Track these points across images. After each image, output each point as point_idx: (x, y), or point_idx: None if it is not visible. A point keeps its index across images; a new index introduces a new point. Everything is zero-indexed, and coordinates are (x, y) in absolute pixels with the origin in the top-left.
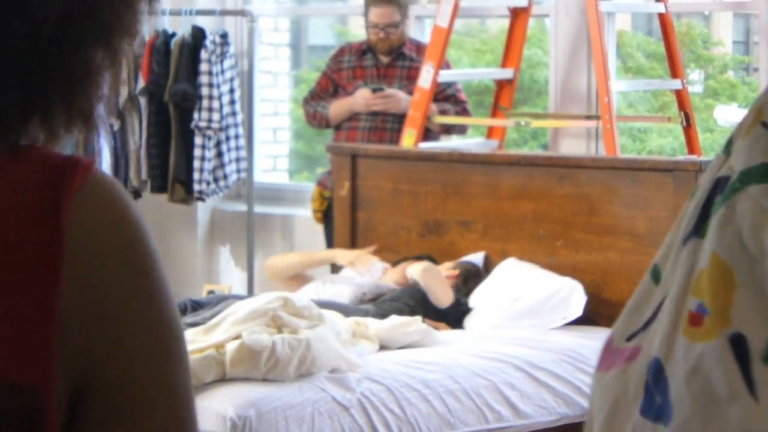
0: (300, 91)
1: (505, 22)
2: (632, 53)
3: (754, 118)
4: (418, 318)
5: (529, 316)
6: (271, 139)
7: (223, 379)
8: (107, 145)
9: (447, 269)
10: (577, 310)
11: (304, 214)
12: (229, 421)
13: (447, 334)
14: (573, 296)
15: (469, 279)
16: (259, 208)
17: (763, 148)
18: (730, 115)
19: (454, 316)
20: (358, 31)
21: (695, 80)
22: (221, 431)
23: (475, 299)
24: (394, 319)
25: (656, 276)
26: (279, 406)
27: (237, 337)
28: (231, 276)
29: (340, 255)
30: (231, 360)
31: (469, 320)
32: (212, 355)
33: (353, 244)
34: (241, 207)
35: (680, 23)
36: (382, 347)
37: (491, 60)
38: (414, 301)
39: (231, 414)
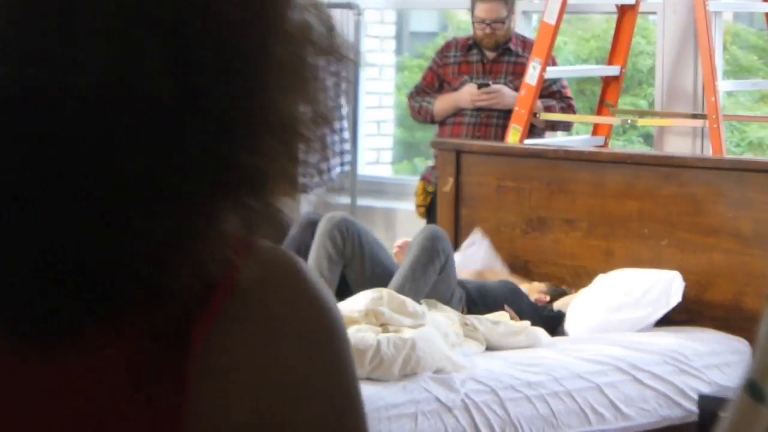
0: (402, 77)
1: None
2: (729, 47)
3: None
4: (527, 323)
5: (628, 308)
6: (375, 131)
7: None
8: None
9: (538, 291)
10: (677, 297)
11: (407, 207)
12: None
13: (550, 337)
14: (672, 285)
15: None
16: (362, 201)
17: None
18: None
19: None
20: (463, 17)
21: None
22: None
23: (574, 304)
24: (504, 327)
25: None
26: (382, 406)
27: None
28: None
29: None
30: None
31: (568, 318)
32: None
33: (456, 240)
34: (345, 200)
35: None
36: (488, 348)
37: (595, 48)
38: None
39: None
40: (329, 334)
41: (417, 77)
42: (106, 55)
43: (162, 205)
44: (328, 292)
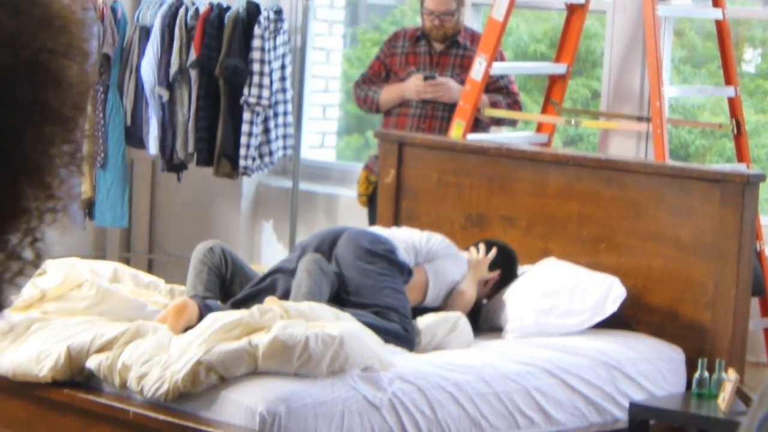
0: (354, 50)
1: None
2: (687, 33)
3: None
4: (459, 314)
5: (563, 311)
6: (320, 116)
7: (254, 373)
8: (155, 116)
9: (483, 263)
10: (614, 305)
11: (349, 194)
12: (258, 416)
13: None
14: (611, 292)
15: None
16: (304, 186)
17: None
18: None
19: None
20: None
21: (749, 59)
22: (250, 425)
23: (510, 295)
24: (430, 317)
25: None
26: (309, 403)
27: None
28: (272, 251)
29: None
30: (263, 354)
31: (504, 317)
32: (244, 348)
33: None
34: (287, 183)
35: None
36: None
37: (549, 28)
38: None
39: (261, 409)
40: None
41: (370, 51)
42: None
43: None
44: None
